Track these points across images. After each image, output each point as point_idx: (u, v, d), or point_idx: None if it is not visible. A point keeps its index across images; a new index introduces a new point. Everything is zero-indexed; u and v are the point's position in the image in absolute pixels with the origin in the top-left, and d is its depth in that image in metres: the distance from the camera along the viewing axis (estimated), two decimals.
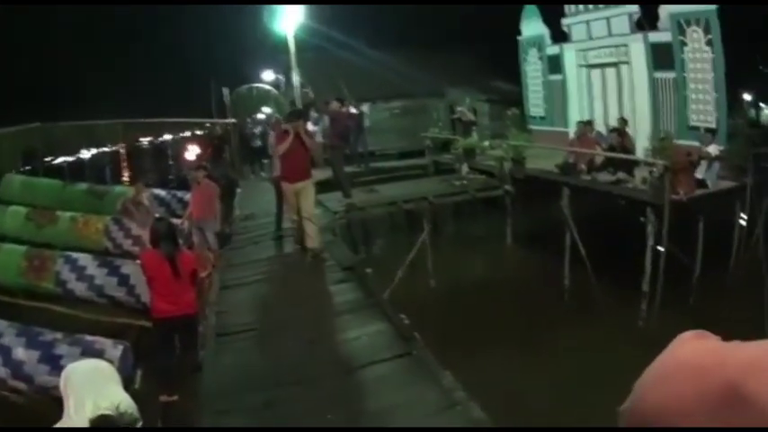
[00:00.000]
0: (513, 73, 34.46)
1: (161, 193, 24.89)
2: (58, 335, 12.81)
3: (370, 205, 21.96)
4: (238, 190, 25.89)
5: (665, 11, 23.48)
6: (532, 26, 31.78)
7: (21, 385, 12.56)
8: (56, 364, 11.96)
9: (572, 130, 25.64)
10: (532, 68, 32.18)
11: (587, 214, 19.62)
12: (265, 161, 29.65)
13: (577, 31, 28.91)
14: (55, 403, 8.48)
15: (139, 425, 6.61)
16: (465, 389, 8.48)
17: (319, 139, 29.31)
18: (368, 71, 37.90)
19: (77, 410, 6.51)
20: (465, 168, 24.97)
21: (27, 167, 32.74)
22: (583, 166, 21.22)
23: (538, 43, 31.30)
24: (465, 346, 13.64)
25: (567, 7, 29.01)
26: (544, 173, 21.68)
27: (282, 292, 14.28)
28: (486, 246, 21.71)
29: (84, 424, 6.37)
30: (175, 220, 18.49)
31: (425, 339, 10.18)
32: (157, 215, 17.48)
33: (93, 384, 6.72)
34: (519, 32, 32.88)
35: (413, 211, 21.60)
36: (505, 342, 14.55)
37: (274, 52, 43.40)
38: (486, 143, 26.55)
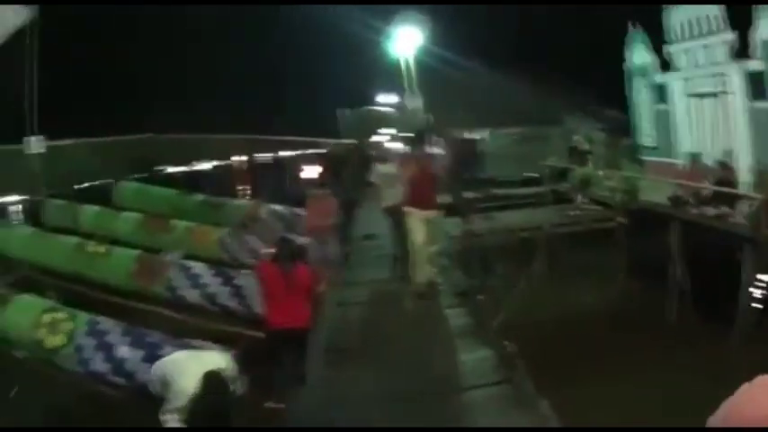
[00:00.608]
0: (625, 101, 33.75)
1: (279, 208, 24.92)
2: (164, 337, 13.09)
3: (488, 232, 21.52)
4: (359, 210, 25.48)
5: (755, 38, 22.49)
6: (639, 54, 31.03)
7: (120, 381, 12.89)
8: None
9: (681, 162, 24.85)
10: (641, 97, 31.39)
11: (695, 247, 18.92)
12: None
13: (680, 60, 28.27)
14: (151, 401, 8.41)
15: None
16: (560, 419, 8.39)
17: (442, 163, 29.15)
18: (487, 96, 37.54)
19: (181, 377, 7.22)
20: (580, 198, 24.41)
21: (139, 176, 32.93)
22: (691, 200, 20.35)
23: (644, 71, 30.49)
24: (568, 376, 13.33)
25: (669, 35, 28.09)
26: (655, 205, 21.06)
27: (394, 313, 14.11)
28: (598, 277, 21.04)
29: (190, 389, 7.00)
30: (292, 235, 18.58)
31: (530, 367, 9.99)
32: (280, 233, 17.27)
33: (195, 355, 7.78)
34: (623, 60, 32.04)
35: (528, 240, 21.17)
36: (607, 374, 14.39)
37: (394, 75, 43.30)
38: (601, 173, 25.86)
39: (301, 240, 17.86)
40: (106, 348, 13.16)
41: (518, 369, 9.85)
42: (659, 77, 29.60)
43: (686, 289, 18.11)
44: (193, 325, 15.82)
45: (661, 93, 29.70)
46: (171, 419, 7.28)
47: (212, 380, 7.23)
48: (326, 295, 15.26)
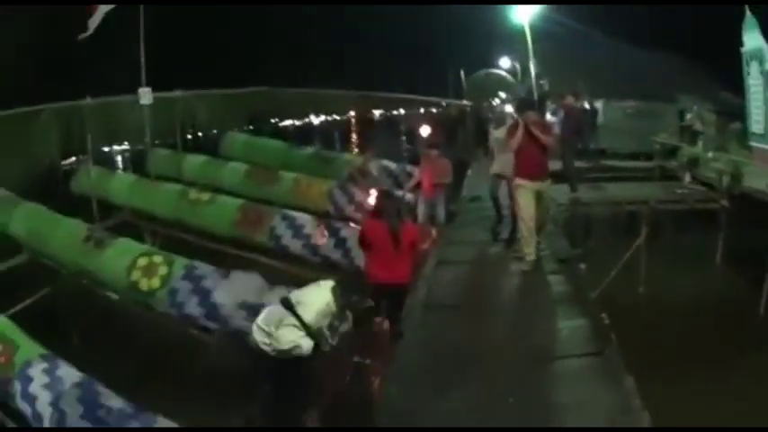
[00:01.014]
0: (740, 85, 32.62)
1: (390, 165, 24.72)
2: (263, 283, 13.04)
3: (595, 202, 21.18)
4: (469, 172, 25.14)
5: None
6: (753, 38, 29.79)
7: (212, 325, 12.95)
8: (256, 312, 11.55)
9: None
10: (754, 83, 30.11)
11: None
12: None
13: None
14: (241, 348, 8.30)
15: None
16: (643, 398, 8.02)
17: (555, 131, 28.64)
18: (604, 66, 36.85)
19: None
20: (688, 177, 23.63)
21: (252, 128, 33.00)
22: None
23: (758, 57, 29.31)
24: (655, 357, 12.56)
25: None
26: (759, 192, 20.09)
27: (494, 276, 13.93)
28: (697, 259, 20.28)
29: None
30: (399, 192, 18.53)
31: (620, 342, 9.63)
32: (385, 188, 17.01)
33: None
34: (742, 43, 30.90)
35: (633, 213, 20.49)
36: (692, 361, 13.33)
37: (512, 39, 42.84)
38: (710, 154, 24.99)
39: (408, 197, 17.79)
40: (202, 292, 13.26)
41: (611, 343, 9.57)
42: None
43: None
44: (295, 274, 15.52)
45: None
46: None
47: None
48: (430, 253, 15.02)
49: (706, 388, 12.34)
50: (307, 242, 17.15)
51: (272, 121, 42.95)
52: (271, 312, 7.77)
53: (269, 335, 7.49)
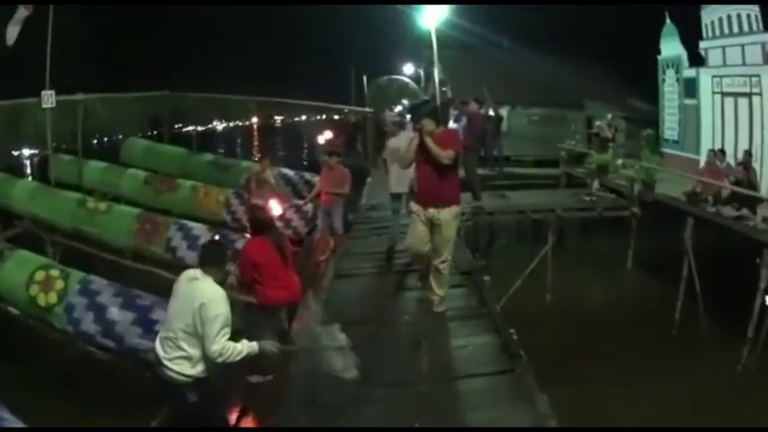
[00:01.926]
0: (651, 92, 33.40)
1: (289, 172, 24.98)
2: (157, 300, 12.77)
3: (499, 211, 21.55)
4: (368, 179, 25.36)
5: None
6: (671, 46, 30.72)
7: (109, 344, 12.78)
8: (150, 329, 12.05)
9: (703, 158, 25.19)
10: (669, 90, 31.23)
11: (709, 247, 18.99)
12: None
13: (714, 57, 28.07)
14: (140, 365, 8.27)
15: None
16: (558, 417, 8.05)
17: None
18: (508, 73, 37.36)
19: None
20: (596, 185, 24.22)
21: (155, 133, 32.90)
22: (709, 198, 20.24)
23: (676, 64, 30.26)
24: (567, 368, 13.36)
25: (704, 30, 28.08)
26: (671, 199, 20.83)
27: (395, 289, 13.70)
28: (606, 266, 21.03)
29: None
30: (298, 201, 19.43)
31: (531, 357, 9.68)
32: (255, 201, 17.64)
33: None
34: (659, 51, 31.66)
35: (539, 222, 21.04)
36: (606, 369, 14.19)
37: (416, 46, 43.45)
38: (620, 161, 25.59)
39: (308, 207, 18.57)
40: (97, 309, 13.03)
41: (520, 359, 9.56)
42: (689, 72, 29.36)
43: (697, 290, 17.81)
44: None
45: (689, 87, 29.42)
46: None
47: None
48: (328, 265, 15.20)
49: (621, 397, 13.07)
50: None
51: (177, 126, 43.08)
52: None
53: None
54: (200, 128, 46.84)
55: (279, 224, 17.30)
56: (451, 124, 31.58)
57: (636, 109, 37.36)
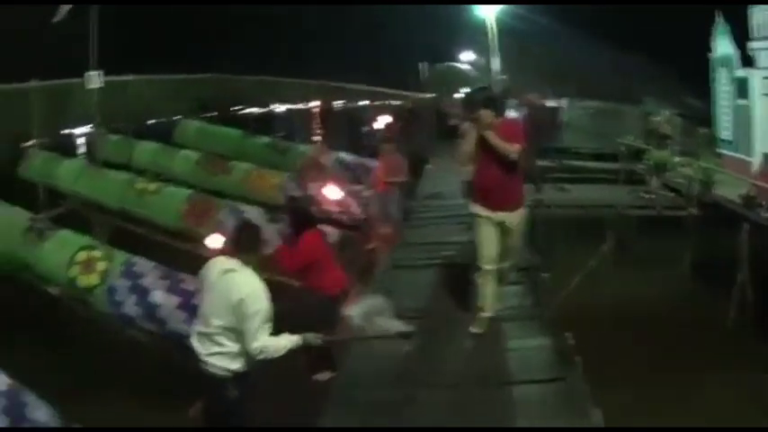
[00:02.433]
0: (705, 90, 32.40)
1: (347, 157, 24.17)
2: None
3: (558, 204, 20.64)
4: (428, 166, 24.61)
5: None
6: (723, 45, 29.55)
7: (151, 327, 12.31)
8: (194, 314, 10.98)
9: (755, 160, 24.32)
10: (723, 89, 30.00)
11: (763, 254, 17.51)
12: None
13: (763, 58, 26.69)
14: (182, 350, 8.55)
15: None
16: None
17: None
18: (566, 65, 36.57)
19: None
20: (655, 182, 23.22)
21: (208, 115, 32.48)
22: (764, 202, 19.31)
23: (728, 64, 29.08)
24: (620, 373, 12.35)
25: (753, 31, 26.85)
26: (728, 201, 19.81)
27: (451, 283, 12.64)
28: (664, 267, 19.90)
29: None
30: (357, 187, 18.82)
31: (585, 361, 8.77)
32: (330, 184, 17.71)
33: None
34: (710, 49, 30.62)
35: (598, 218, 20.21)
36: (657, 377, 13.10)
37: (475, 33, 42.38)
38: (677, 159, 24.66)
39: (367, 193, 17.77)
40: (140, 292, 12.52)
41: (575, 367, 8.67)
42: (741, 72, 28.08)
43: (749, 298, 16.74)
44: None
45: (741, 88, 28.17)
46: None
47: None
48: (382, 255, 14.49)
49: (675, 408, 12.01)
50: None
51: (232, 108, 42.81)
52: None
53: None
54: (257, 110, 46.71)
55: (336, 209, 16.72)
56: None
57: (690, 106, 36.42)
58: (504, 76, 34.56)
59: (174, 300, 12.11)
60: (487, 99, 9.91)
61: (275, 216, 16.56)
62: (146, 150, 24.75)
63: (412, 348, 9.14)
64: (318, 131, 42.00)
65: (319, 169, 19.69)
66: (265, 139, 27.38)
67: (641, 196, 22.37)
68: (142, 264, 13.24)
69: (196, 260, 15.31)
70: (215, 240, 12.85)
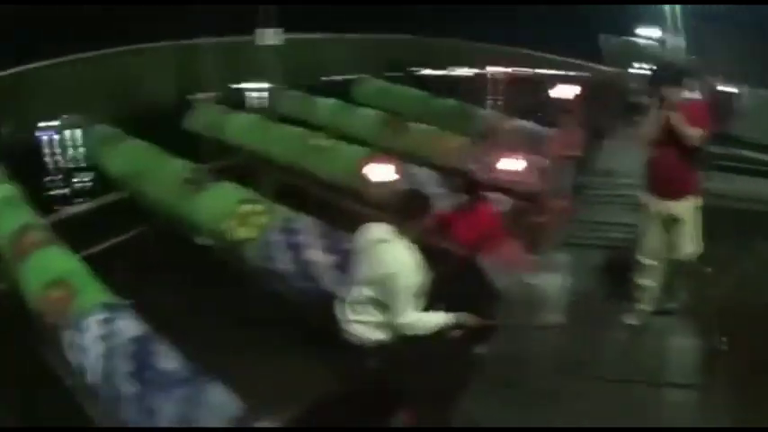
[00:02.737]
0: None
1: (527, 125, 23.40)
2: None
3: (725, 195, 19.45)
4: (605, 142, 23.86)
5: None
6: None
7: (304, 285, 12.04)
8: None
9: None
10: None
11: None
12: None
13: None
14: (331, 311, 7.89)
15: None
16: None
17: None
18: (752, 48, 34.86)
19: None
20: None
21: (392, 75, 32.23)
22: None
23: None
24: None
25: None
26: None
27: (618, 267, 11.67)
28: None
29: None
30: (534, 157, 17.66)
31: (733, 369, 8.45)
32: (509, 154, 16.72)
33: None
34: None
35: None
36: None
37: (661, 9, 41.08)
38: None
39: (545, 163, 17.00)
40: (297, 248, 12.34)
41: (722, 376, 8.26)
42: None
43: None
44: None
45: None
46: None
47: None
48: (554, 229, 14.08)
49: None
50: None
51: (414, 69, 42.69)
52: None
53: None
54: (441, 72, 46.61)
55: (512, 178, 16.27)
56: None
57: None
58: (691, 56, 33.37)
59: (331, 259, 11.85)
60: (677, 76, 9.23)
61: (449, 181, 16.22)
62: (324, 107, 24.55)
63: (566, 333, 8.86)
64: (501, 98, 41.43)
65: (499, 136, 19.20)
66: (452, 102, 26.40)
67: None
68: (303, 220, 13.09)
69: (362, 220, 15.39)
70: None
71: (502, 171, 16.58)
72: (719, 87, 21.20)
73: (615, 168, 19.04)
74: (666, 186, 9.19)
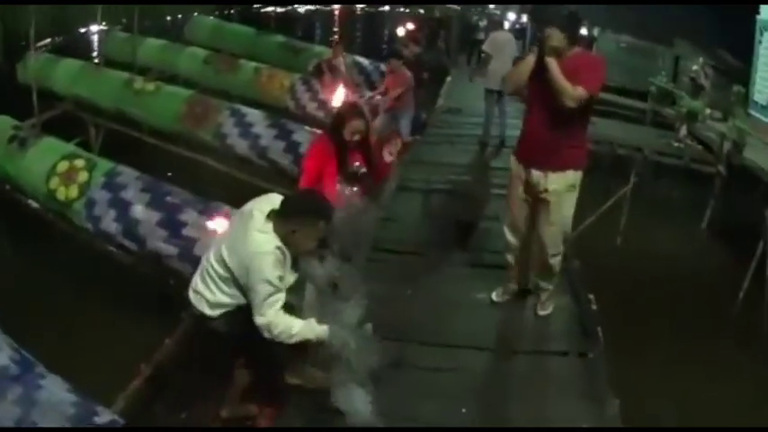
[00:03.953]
0: (741, 47, 31.36)
1: (363, 61, 23.24)
2: (189, 198, 11.08)
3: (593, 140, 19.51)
4: (448, 78, 23.56)
5: None
6: None
7: (131, 245, 11.15)
8: (176, 232, 10.50)
9: None
10: (764, 54, 28.94)
11: None
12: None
13: None
14: (162, 271, 8.88)
15: None
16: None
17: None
18: None
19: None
20: (683, 131, 22.07)
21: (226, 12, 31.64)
22: None
23: None
24: (634, 344, 10.89)
25: None
26: (761, 170, 18.69)
27: (464, 216, 11.35)
28: (680, 222, 18.86)
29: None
30: (369, 93, 17.28)
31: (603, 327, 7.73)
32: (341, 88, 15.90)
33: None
34: (758, 10, 29.50)
35: (623, 158, 19.03)
36: (664, 344, 11.80)
37: None
38: (708, 111, 23.63)
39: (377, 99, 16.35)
40: (120, 205, 11.32)
41: (596, 341, 7.50)
42: None
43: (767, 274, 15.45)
44: (236, 180, 14.65)
45: None
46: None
47: None
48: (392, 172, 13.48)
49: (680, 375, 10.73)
50: (254, 143, 15.12)
51: (255, 6, 41.97)
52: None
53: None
54: (279, 9, 46.06)
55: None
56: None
57: (723, 60, 35.38)
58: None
59: (155, 215, 10.89)
60: (563, 16, 7.23)
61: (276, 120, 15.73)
62: (151, 47, 23.47)
63: (413, 294, 8.32)
64: (337, 33, 41.17)
65: (334, 71, 18.74)
66: (279, 38, 26.21)
67: (671, 144, 21.31)
68: (126, 174, 11.96)
69: (193, 167, 14.63)
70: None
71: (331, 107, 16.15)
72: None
73: (460, 107, 18.82)
74: (531, 152, 7.50)
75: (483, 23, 34.02)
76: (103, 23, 23.69)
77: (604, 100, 25.67)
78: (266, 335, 5.62)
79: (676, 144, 20.26)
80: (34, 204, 13.30)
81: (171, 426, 6.90)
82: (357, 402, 5.90)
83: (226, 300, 5.78)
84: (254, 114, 16.00)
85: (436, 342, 7.46)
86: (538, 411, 6.46)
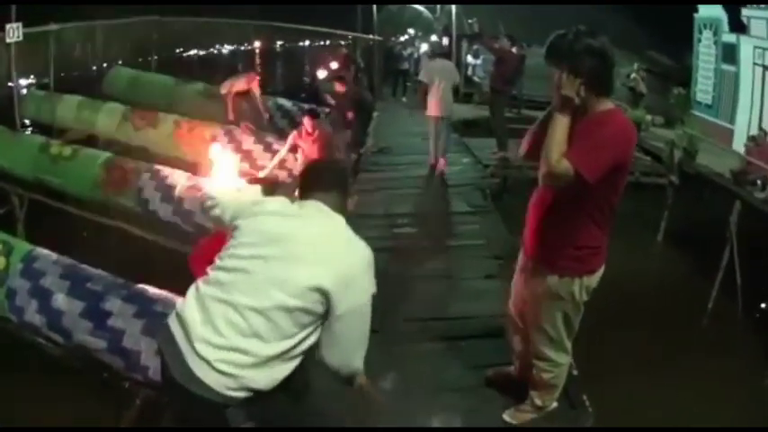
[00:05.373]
0: (674, 46, 31.28)
1: (286, 103, 22.54)
2: (111, 282, 10.17)
3: (527, 166, 19.07)
4: (375, 113, 22.91)
5: None
6: (710, 6, 28.76)
7: (57, 337, 10.14)
8: (101, 323, 9.52)
9: (737, 128, 24.54)
10: (705, 52, 29.41)
11: (754, 236, 16.22)
12: (409, 84, 27.78)
13: (756, 27, 25.81)
14: (94, 365, 8.36)
15: None
16: None
17: (480, 74, 26.99)
18: (526, 9, 35.20)
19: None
20: None
21: (143, 60, 30.76)
22: (758, 181, 18.16)
23: (714, 26, 28.43)
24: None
25: None
26: (716, 175, 18.81)
27: (408, 274, 10.60)
28: (634, 235, 18.49)
29: None
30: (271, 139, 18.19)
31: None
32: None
33: None
34: (695, 9, 29.66)
35: None
36: (627, 354, 12.41)
37: None
38: (649, 118, 23.33)
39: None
40: (41, 295, 10.31)
41: (585, 411, 7.10)
42: (729, 37, 27.42)
43: (738, 282, 15.24)
44: (168, 249, 13.49)
45: (728, 53, 27.65)
46: None
47: None
48: None
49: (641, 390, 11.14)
50: (177, 208, 14.23)
51: (174, 53, 41.35)
52: None
53: None
54: (200, 53, 45.60)
55: (238, 156, 16.11)
56: (469, 59, 29.23)
57: (658, 63, 35.30)
58: (472, 20, 33.05)
59: (78, 305, 9.92)
60: (585, 55, 5.19)
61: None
62: (70, 105, 21.95)
63: None
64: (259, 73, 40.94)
65: (248, 100, 19.47)
66: (198, 86, 24.61)
67: None
68: (43, 258, 10.93)
69: (126, 239, 13.72)
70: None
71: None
72: (510, 50, 20.51)
73: (389, 145, 18.44)
74: (526, 235, 5.89)
75: (406, 53, 33.78)
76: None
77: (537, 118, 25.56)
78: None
79: None
80: None
81: None
82: None
83: (294, 350, 4.09)
84: (174, 175, 15.19)
85: None
86: None
